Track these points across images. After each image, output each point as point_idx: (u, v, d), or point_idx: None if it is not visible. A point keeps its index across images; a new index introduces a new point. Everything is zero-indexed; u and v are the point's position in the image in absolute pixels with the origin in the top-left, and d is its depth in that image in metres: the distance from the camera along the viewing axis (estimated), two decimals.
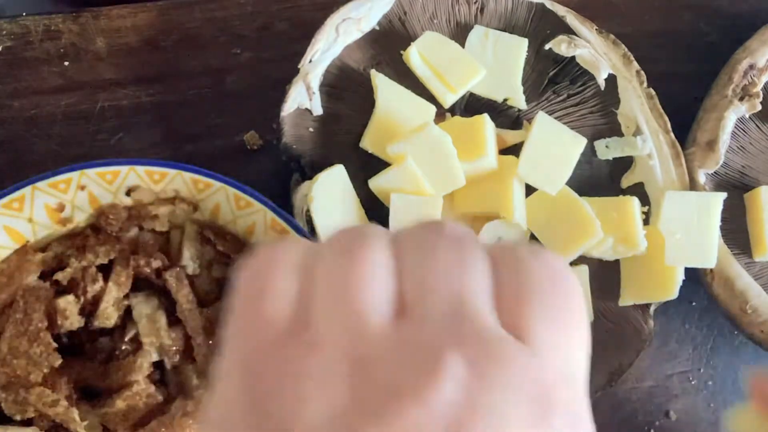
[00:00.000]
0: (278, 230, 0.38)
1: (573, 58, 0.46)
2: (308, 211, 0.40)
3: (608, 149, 0.46)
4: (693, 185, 0.45)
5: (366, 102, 0.44)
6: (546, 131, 0.43)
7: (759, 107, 0.46)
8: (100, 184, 0.40)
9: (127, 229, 0.41)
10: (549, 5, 0.46)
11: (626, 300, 0.44)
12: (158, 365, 0.39)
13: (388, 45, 0.46)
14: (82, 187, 0.40)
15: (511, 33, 0.46)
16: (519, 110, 0.46)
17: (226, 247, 0.40)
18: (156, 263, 0.39)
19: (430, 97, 0.45)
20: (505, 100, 0.46)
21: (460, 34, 0.47)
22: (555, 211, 0.42)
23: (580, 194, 0.43)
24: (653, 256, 0.43)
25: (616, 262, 0.45)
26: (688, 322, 0.48)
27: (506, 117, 0.46)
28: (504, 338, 0.18)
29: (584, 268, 0.43)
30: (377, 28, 0.46)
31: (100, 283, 0.39)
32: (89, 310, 0.39)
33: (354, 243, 0.19)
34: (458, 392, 0.16)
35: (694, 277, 0.45)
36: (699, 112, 0.48)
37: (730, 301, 0.44)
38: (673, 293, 0.43)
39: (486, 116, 0.43)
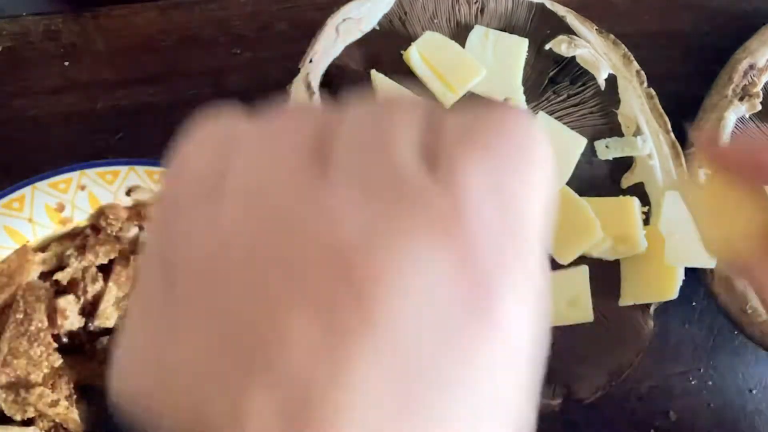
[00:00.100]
0: None
1: (573, 58, 0.46)
2: None
3: (608, 149, 0.46)
4: None
5: None
6: (546, 131, 0.43)
7: (759, 107, 0.46)
8: (100, 184, 0.40)
9: (127, 229, 0.41)
10: (549, 5, 0.46)
11: (626, 300, 0.44)
12: None
13: (388, 45, 0.46)
14: (82, 187, 0.40)
15: (511, 33, 0.46)
16: None
17: None
18: None
19: (430, 97, 0.45)
20: (505, 100, 0.46)
21: (460, 34, 0.47)
22: (556, 212, 0.42)
23: (580, 194, 0.43)
24: (653, 256, 0.43)
25: (616, 262, 0.45)
26: (688, 322, 0.48)
27: None
28: (416, 177, 0.16)
29: (584, 268, 0.43)
30: (377, 28, 0.46)
31: (100, 283, 0.39)
32: (89, 310, 0.40)
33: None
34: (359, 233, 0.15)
35: (694, 277, 0.45)
36: (699, 112, 0.48)
37: (730, 301, 0.44)
38: (673, 293, 0.43)
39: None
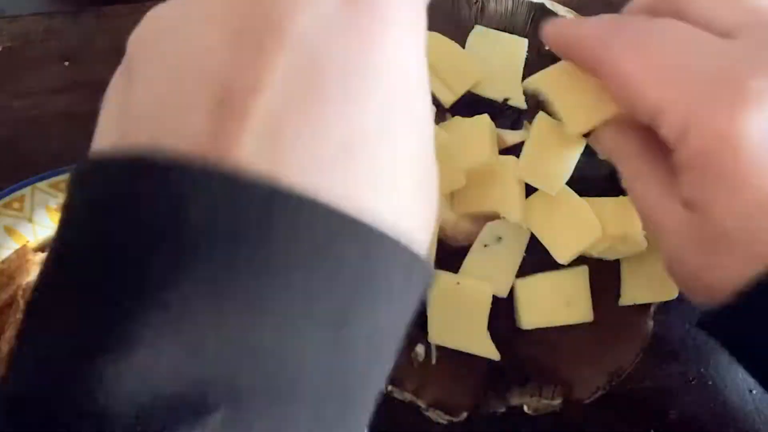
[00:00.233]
0: None
1: None
2: None
3: None
4: None
5: None
6: (546, 131, 0.43)
7: None
8: None
9: None
10: (549, 5, 0.46)
11: (626, 300, 0.44)
12: None
13: None
14: None
15: (511, 33, 0.46)
16: (519, 110, 0.46)
17: None
18: None
19: (430, 97, 0.45)
20: (506, 100, 0.46)
21: (460, 34, 0.47)
22: (556, 212, 0.42)
23: (580, 194, 0.43)
24: (653, 256, 0.43)
25: (616, 262, 0.45)
26: (688, 322, 0.48)
27: (506, 117, 0.46)
28: None
29: (584, 268, 0.43)
30: None
31: None
32: None
33: None
34: None
35: None
36: None
37: None
38: (673, 293, 0.43)
39: (486, 116, 0.43)
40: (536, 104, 0.46)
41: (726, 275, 0.29)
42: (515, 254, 0.44)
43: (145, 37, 0.22)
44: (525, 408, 0.43)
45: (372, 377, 0.21)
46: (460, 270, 0.43)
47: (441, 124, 0.44)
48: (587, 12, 0.47)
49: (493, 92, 0.46)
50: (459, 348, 0.42)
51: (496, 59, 0.46)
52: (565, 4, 0.47)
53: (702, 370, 0.48)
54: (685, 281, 0.32)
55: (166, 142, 0.19)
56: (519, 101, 0.46)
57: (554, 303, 0.43)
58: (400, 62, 0.21)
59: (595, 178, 0.46)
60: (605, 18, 0.33)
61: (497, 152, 0.44)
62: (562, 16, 0.46)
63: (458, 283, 0.42)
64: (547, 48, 0.46)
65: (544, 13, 0.47)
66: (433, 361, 0.43)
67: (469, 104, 0.46)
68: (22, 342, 0.20)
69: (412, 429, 0.43)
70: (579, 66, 0.35)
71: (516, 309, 0.44)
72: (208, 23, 0.20)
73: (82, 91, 0.47)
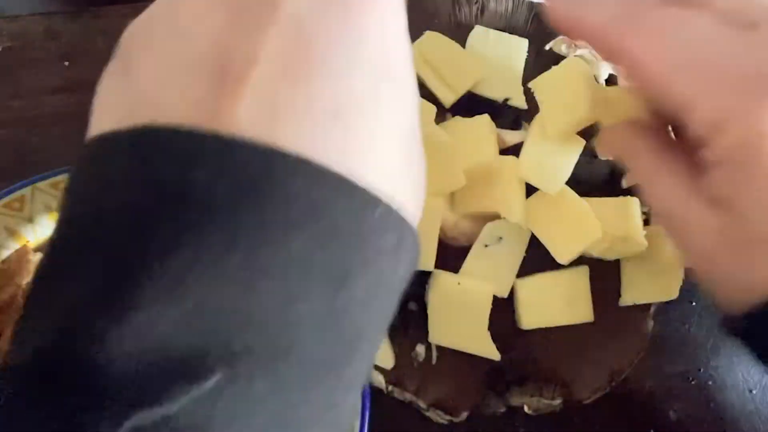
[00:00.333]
0: None
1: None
2: None
3: None
4: None
5: None
6: (546, 131, 0.43)
7: None
8: None
9: None
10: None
11: (626, 300, 0.44)
12: None
13: None
14: None
15: (511, 33, 0.46)
16: (519, 110, 0.46)
17: None
18: None
19: (430, 97, 0.45)
20: (506, 100, 0.46)
21: (460, 34, 0.47)
22: (555, 211, 0.42)
23: (580, 194, 0.43)
24: (653, 256, 0.43)
25: (616, 262, 0.45)
26: (688, 322, 0.48)
27: (506, 117, 0.46)
28: None
29: (584, 268, 0.43)
30: None
31: None
32: None
33: None
34: None
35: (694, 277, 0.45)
36: None
37: None
38: (673, 293, 0.43)
39: (486, 116, 0.43)
40: (536, 104, 0.46)
41: (761, 275, 0.28)
42: (515, 254, 0.44)
43: (139, 29, 0.23)
44: (525, 408, 0.43)
45: (368, 337, 0.22)
46: (461, 270, 0.43)
47: (441, 124, 0.44)
48: None
49: (493, 92, 0.46)
50: (459, 348, 0.42)
51: (496, 59, 0.46)
52: None
53: (702, 370, 0.48)
54: (715, 282, 0.31)
55: (168, 114, 0.19)
56: (519, 101, 0.46)
57: (554, 303, 0.43)
58: (383, 37, 0.22)
59: (595, 178, 0.46)
60: (616, 2, 0.31)
61: (497, 152, 0.44)
62: None
63: (459, 283, 0.42)
64: (547, 48, 0.46)
65: (545, 13, 0.47)
66: (433, 361, 0.43)
67: (469, 104, 0.46)
68: (28, 304, 0.20)
69: (412, 429, 0.43)
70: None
71: (516, 309, 0.44)
72: (204, 4, 0.21)
73: (82, 91, 0.47)
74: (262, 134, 0.19)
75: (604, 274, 0.44)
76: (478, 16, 0.47)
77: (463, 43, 0.46)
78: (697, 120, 0.29)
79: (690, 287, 0.44)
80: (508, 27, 0.47)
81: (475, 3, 0.47)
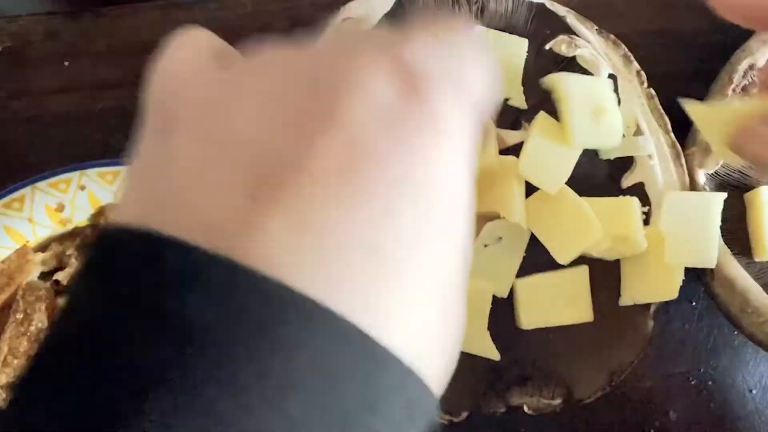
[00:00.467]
0: None
1: (573, 58, 0.46)
2: None
3: (610, 148, 0.46)
4: (693, 185, 0.45)
5: None
6: (546, 131, 0.43)
7: None
8: (100, 184, 0.40)
9: None
10: (549, 5, 0.46)
11: (626, 300, 0.44)
12: None
13: None
14: (82, 187, 0.40)
15: (511, 33, 0.46)
16: (519, 110, 0.46)
17: None
18: None
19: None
20: (506, 100, 0.46)
21: None
22: (555, 211, 0.42)
23: (580, 194, 0.43)
24: (653, 256, 0.43)
25: (616, 262, 0.45)
26: (688, 322, 0.48)
27: (506, 117, 0.46)
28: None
29: (584, 268, 0.43)
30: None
31: None
32: None
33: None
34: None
35: (694, 277, 0.45)
36: None
37: (730, 301, 0.44)
38: (673, 293, 0.43)
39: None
40: (536, 104, 0.46)
41: None
42: (515, 254, 0.44)
43: (192, 99, 0.20)
44: (525, 408, 0.43)
45: None
46: None
47: None
48: (587, 12, 0.47)
49: None
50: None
51: (496, 59, 0.46)
52: (565, 4, 0.47)
53: (702, 370, 0.48)
54: None
55: (185, 222, 0.18)
56: (519, 101, 0.46)
57: (554, 303, 0.43)
58: (445, 179, 0.19)
59: (595, 178, 0.46)
60: None
61: (497, 152, 0.44)
62: (562, 16, 0.46)
63: None
64: (546, 48, 0.46)
65: (545, 13, 0.47)
66: None
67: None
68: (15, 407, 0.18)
69: None
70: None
71: (516, 309, 0.44)
72: (261, 98, 0.19)
73: (82, 91, 0.47)
74: (284, 260, 0.17)
75: (604, 274, 0.44)
76: (477, 15, 0.47)
77: None
78: None
79: (690, 287, 0.44)
80: (508, 27, 0.47)
81: (475, 3, 0.47)
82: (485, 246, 0.44)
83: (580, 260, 0.43)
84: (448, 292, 0.19)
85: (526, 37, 0.46)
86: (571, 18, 0.46)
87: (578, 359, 0.44)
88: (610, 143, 0.44)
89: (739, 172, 0.47)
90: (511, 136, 0.45)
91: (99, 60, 0.48)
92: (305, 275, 0.17)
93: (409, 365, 0.18)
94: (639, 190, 0.45)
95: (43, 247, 0.41)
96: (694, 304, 0.48)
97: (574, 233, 0.42)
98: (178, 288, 0.16)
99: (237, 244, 0.17)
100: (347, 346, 0.17)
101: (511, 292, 0.44)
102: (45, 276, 0.40)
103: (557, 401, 0.43)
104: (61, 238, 0.41)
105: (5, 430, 0.17)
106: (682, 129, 0.47)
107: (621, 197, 0.44)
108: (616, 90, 0.46)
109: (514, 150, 0.44)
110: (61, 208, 0.40)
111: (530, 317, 0.43)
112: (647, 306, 0.44)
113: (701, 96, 0.48)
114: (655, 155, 0.45)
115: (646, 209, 0.45)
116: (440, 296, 0.19)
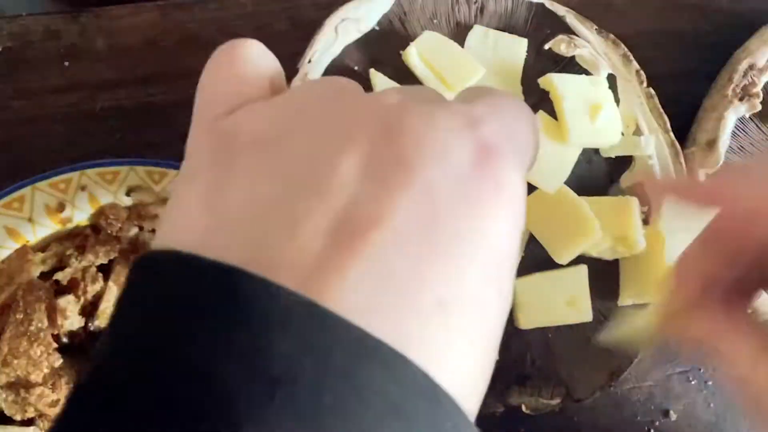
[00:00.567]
0: None
1: (573, 58, 0.46)
2: None
3: (611, 147, 0.46)
4: None
5: None
6: (545, 131, 0.43)
7: (759, 107, 0.46)
8: (100, 184, 0.40)
9: (127, 229, 0.41)
10: (549, 5, 0.46)
11: (626, 300, 0.44)
12: None
13: (387, 45, 0.46)
14: (82, 187, 0.40)
15: (511, 33, 0.46)
16: None
17: None
18: None
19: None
20: None
21: (459, 34, 0.47)
22: (554, 211, 0.42)
23: (580, 194, 0.43)
24: (653, 256, 0.43)
25: (616, 261, 0.45)
26: None
27: None
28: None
29: (583, 268, 0.43)
30: (377, 28, 0.46)
31: (101, 283, 0.39)
32: (89, 310, 0.40)
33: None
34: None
35: None
36: (699, 112, 0.48)
37: None
38: None
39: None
40: (536, 104, 0.46)
41: None
42: None
43: (260, 133, 0.20)
44: (524, 408, 0.43)
45: None
46: None
47: None
48: (587, 12, 0.47)
49: None
50: None
51: (496, 59, 0.46)
52: (565, 4, 0.47)
53: (702, 370, 0.48)
54: None
55: (264, 259, 0.18)
56: None
57: (554, 303, 0.43)
58: (506, 238, 0.21)
59: (594, 178, 0.46)
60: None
61: None
62: (561, 16, 0.46)
63: None
64: (546, 47, 0.46)
65: (544, 12, 0.47)
66: None
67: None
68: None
69: None
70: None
71: (515, 309, 0.44)
72: (341, 142, 0.19)
73: (82, 91, 0.48)
74: (362, 312, 0.17)
75: (604, 274, 0.44)
76: (477, 15, 0.47)
77: (462, 43, 0.46)
78: None
79: None
80: (508, 27, 0.47)
81: (475, 3, 0.47)
82: None
83: (580, 260, 0.43)
84: (494, 343, 0.21)
85: (525, 36, 0.46)
86: (571, 18, 0.46)
87: (577, 359, 0.43)
88: (608, 141, 0.44)
89: None
90: None
91: (99, 60, 0.48)
92: (382, 323, 0.18)
93: (463, 408, 0.19)
94: (639, 190, 0.46)
95: (43, 247, 0.41)
96: None
97: (573, 233, 0.42)
98: (267, 329, 0.17)
99: (319, 287, 0.17)
100: (419, 391, 0.18)
101: None
102: (45, 276, 0.40)
103: (556, 401, 0.43)
104: (61, 238, 0.41)
105: None
106: (682, 129, 0.47)
107: (621, 197, 0.44)
108: (615, 89, 0.46)
109: None
110: (61, 208, 0.40)
111: (529, 317, 0.43)
112: (647, 306, 0.44)
113: (701, 96, 0.48)
114: (654, 155, 0.45)
115: (645, 209, 0.45)
116: (489, 346, 0.21)
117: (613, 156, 0.46)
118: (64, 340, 0.39)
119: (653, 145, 0.45)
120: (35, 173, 0.40)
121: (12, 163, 0.46)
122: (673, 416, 0.47)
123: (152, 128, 0.47)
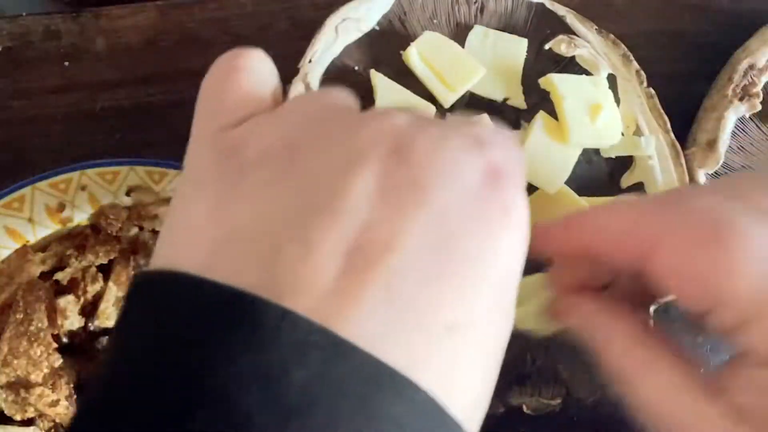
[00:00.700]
0: None
1: (573, 58, 0.46)
2: None
3: (611, 147, 0.46)
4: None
5: (365, 102, 0.44)
6: (545, 131, 0.43)
7: (759, 107, 0.46)
8: (100, 184, 0.40)
9: (127, 229, 0.41)
10: (549, 5, 0.46)
11: None
12: None
13: (387, 45, 0.46)
14: (83, 187, 0.40)
15: (511, 33, 0.46)
16: (519, 110, 0.46)
17: None
18: None
19: (430, 97, 0.45)
20: (505, 100, 0.46)
21: (460, 34, 0.47)
22: (554, 211, 0.42)
23: (580, 194, 0.43)
24: None
25: None
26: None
27: (506, 117, 0.46)
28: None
29: None
30: (377, 28, 0.46)
31: (100, 283, 0.39)
32: (89, 310, 0.40)
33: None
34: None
35: None
36: (699, 112, 0.48)
37: None
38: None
39: (486, 116, 0.43)
40: (536, 104, 0.46)
41: None
42: None
43: (268, 148, 0.20)
44: (524, 408, 0.43)
45: None
46: None
47: None
48: (587, 12, 0.47)
49: (493, 92, 0.46)
50: None
51: (496, 59, 0.46)
52: (565, 4, 0.47)
53: (701, 370, 0.48)
54: None
55: (278, 282, 0.17)
56: (518, 101, 0.46)
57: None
58: (512, 257, 0.21)
59: (595, 178, 0.46)
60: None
61: None
62: (561, 16, 0.46)
63: None
64: (546, 47, 0.46)
65: (544, 12, 0.47)
66: None
67: (469, 104, 0.46)
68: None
69: None
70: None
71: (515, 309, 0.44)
72: (353, 160, 0.19)
73: (82, 91, 0.48)
74: (375, 339, 0.17)
75: None
76: (477, 15, 0.47)
77: (462, 43, 0.46)
78: (728, 314, 0.25)
79: None
80: (508, 27, 0.47)
81: (474, 2, 0.47)
82: None
83: None
84: (497, 362, 0.21)
85: (525, 36, 0.46)
86: (571, 18, 0.46)
87: (578, 359, 0.43)
88: (608, 141, 0.44)
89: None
90: None
91: (99, 60, 0.48)
92: (394, 348, 0.18)
93: (466, 429, 0.19)
94: (639, 190, 0.46)
95: (43, 247, 0.41)
96: None
97: None
98: (285, 357, 0.17)
99: (335, 314, 0.17)
100: (429, 418, 0.18)
101: None
102: (45, 276, 0.40)
103: (556, 401, 0.43)
104: (61, 238, 0.41)
105: None
106: (682, 129, 0.47)
107: (620, 197, 0.44)
108: (615, 89, 0.46)
109: None
110: (61, 208, 0.40)
111: (529, 317, 0.43)
112: (647, 306, 0.44)
113: (701, 96, 0.48)
114: (654, 155, 0.45)
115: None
116: (493, 365, 0.21)
117: (613, 156, 0.46)
118: (64, 340, 0.39)
119: (653, 145, 0.45)
120: (35, 173, 0.40)
121: (12, 163, 0.46)
122: None
123: (152, 128, 0.47)
